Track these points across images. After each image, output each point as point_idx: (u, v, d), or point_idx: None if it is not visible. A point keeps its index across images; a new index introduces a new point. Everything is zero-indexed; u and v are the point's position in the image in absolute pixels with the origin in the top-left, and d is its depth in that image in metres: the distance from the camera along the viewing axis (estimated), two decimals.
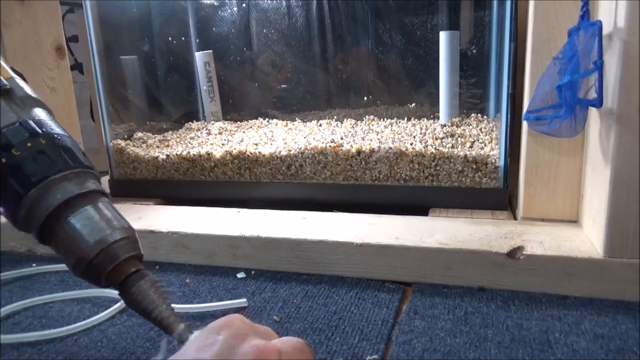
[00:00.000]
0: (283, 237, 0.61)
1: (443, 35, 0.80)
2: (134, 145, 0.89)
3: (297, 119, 0.98)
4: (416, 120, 0.89)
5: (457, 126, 0.80)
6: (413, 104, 0.94)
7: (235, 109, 1.08)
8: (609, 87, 0.49)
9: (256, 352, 0.29)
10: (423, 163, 0.71)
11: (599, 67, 0.47)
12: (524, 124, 0.60)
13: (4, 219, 0.73)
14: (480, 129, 0.78)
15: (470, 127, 0.79)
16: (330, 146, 0.75)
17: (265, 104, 1.07)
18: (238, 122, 1.02)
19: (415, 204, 0.72)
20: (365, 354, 0.43)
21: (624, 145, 0.48)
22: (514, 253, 0.53)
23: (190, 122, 1.03)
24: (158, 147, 0.89)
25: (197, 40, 1.07)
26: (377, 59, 0.97)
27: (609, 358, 0.41)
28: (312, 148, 0.76)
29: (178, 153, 0.83)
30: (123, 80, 0.96)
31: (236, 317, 0.32)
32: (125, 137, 0.92)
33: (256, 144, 0.83)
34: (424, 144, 0.73)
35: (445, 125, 0.80)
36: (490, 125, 0.79)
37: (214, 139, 0.90)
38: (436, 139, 0.75)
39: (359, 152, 0.74)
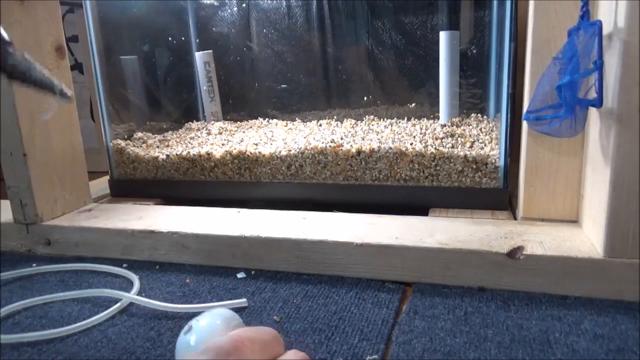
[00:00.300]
0: (283, 237, 0.61)
1: (443, 35, 0.81)
2: (134, 145, 0.89)
3: (297, 119, 0.99)
4: (416, 120, 0.89)
5: (457, 126, 0.80)
6: (413, 104, 0.94)
7: (235, 109, 1.08)
8: (609, 87, 0.49)
9: (232, 342, 0.28)
10: (423, 163, 0.71)
11: (599, 67, 0.47)
12: (524, 124, 0.60)
13: (4, 219, 0.73)
14: (480, 129, 0.78)
15: (470, 127, 0.79)
16: (330, 146, 0.75)
17: (265, 104, 1.07)
18: (238, 122, 1.02)
19: (415, 204, 0.72)
20: (365, 354, 0.43)
21: (624, 145, 0.48)
22: (514, 253, 0.53)
23: (190, 122, 1.03)
24: (158, 147, 0.89)
25: (197, 40, 1.07)
26: (377, 58, 0.97)
27: (609, 358, 0.41)
28: (312, 148, 0.76)
29: (178, 153, 0.83)
30: (123, 80, 0.96)
31: (247, 339, 0.30)
32: (125, 137, 0.92)
33: (256, 144, 0.83)
34: (424, 144, 0.73)
35: (445, 125, 0.80)
36: (490, 125, 0.79)
37: (214, 139, 0.90)
38: (436, 139, 0.75)
39: (359, 152, 0.74)
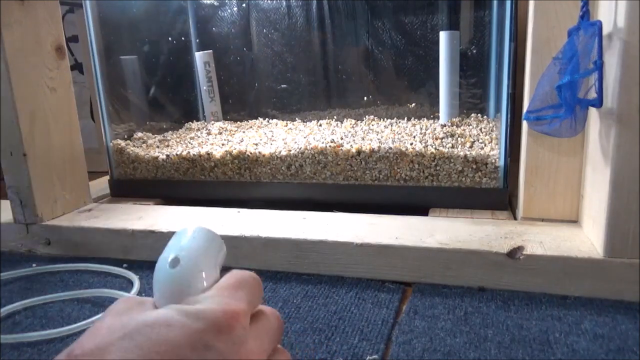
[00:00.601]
0: (283, 237, 0.61)
1: (443, 35, 0.81)
2: (134, 145, 0.89)
3: (297, 119, 0.99)
4: (416, 120, 0.89)
5: (457, 126, 0.80)
6: (413, 104, 0.94)
7: (235, 109, 1.08)
8: (609, 87, 0.49)
9: (227, 317, 0.26)
10: (423, 163, 0.71)
11: (599, 67, 0.47)
12: (524, 124, 0.60)
13: (4, 219, 0.73)
14: (480, 129, 0.78)
15: (470, 127, 0.79)
16: (330, 146, 0.75)
17: (265, 104, 1.07)
18: (238, 122, 1.02)
19: (415, 204, 0.72)
20: (365, 354, 0.43)
21: (624, 145, 0.48)
22: (514, 253, 0.53)
23: (190, 122, 1.03)
24: (158, 147, 0.89)
25: (197, 40, 1.07)
26: (377, 58, 0.97)
27: (609, 358, 0.41)
28: (312, 148, 0.76)
29: (178, 153, 0.83)
30: (123, 80, 0.96)
31: (240, 312, 0.27)
32: (125, 137, 0.92)
33: (256, 144, 0.83)
34: (424, 144, 0.73)
35: (445, 125, 0.80)
36: (490, 125, 0.79)
37: (214, 139, 0.90)
38: (436, 139, 0.75)
39: (359, 152, 0.74)
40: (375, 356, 0.43)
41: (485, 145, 0.72)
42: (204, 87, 1.04)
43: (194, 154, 0.82)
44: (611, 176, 0.49)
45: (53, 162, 0.72)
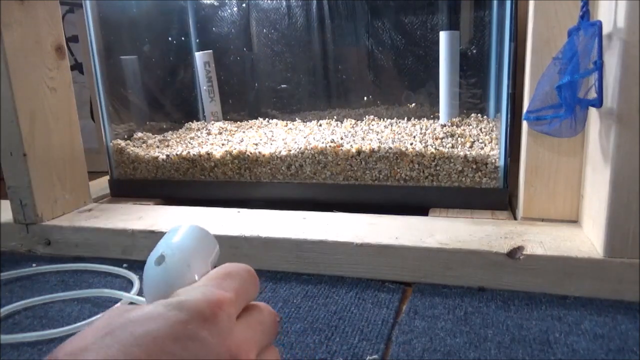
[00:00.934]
0: (283, 237, 0.61)
1: (443, 35, 0.81)
2: (134, 146, 0.89)
3: (297, 119, 0.99)
4: (416, 120, 0.89)
5: (457, 126, 0.80)
6: (413, 104, 0.94)
7: (235, 109, 1.08)
8: (609, 87, 0.49)
9: (212, 307, 0.25)
10: (423, 163, 0.71)
11: (599, 67, 0.47)
12: (524, 124, 0.60)
13: (4, 219, 0.73)
14: (480, 129, 0.78)
15: (470, 127, 0.79)
16: (330, 146, 0.75)
17: (265, 104, 1.07)
18: (238, 122, 1.02)
19: (415, 204, 0.72)
20: (365, 354, 0.43)
21: (624, 145, 0.48)
22: (514, 253, 0.53)
23: (190, 122, 1.03)
24: (158, 147, 0.89)
25: (197, 40, 1.07)
26: (377, 58, 0.97)
27: (609, 358, 0.41)
28: (312, 148, 0.76)
29: (178, 153, 0.83)
30: (123, 80, 0.96)
31: (225, 301, 0.26)
32: (125, 137, 0.92)
33: (256, 144, 0.83)
34: (424, 144, 0.73)
35: (445, 125, 0.80)
36: (490, 125, 0.79)
37: (214, 139, 0.90)
38: (436, 139, 0.75)
39: (359, 152, 0.74)
40: (375, 356, 0.43)
41: (485, 145, 0.72)
42: (204, 87, 1.04)
43: (194, 154, 0.82)
44: (611, 176, 0.49)
45: (53, 162, 0.72)
